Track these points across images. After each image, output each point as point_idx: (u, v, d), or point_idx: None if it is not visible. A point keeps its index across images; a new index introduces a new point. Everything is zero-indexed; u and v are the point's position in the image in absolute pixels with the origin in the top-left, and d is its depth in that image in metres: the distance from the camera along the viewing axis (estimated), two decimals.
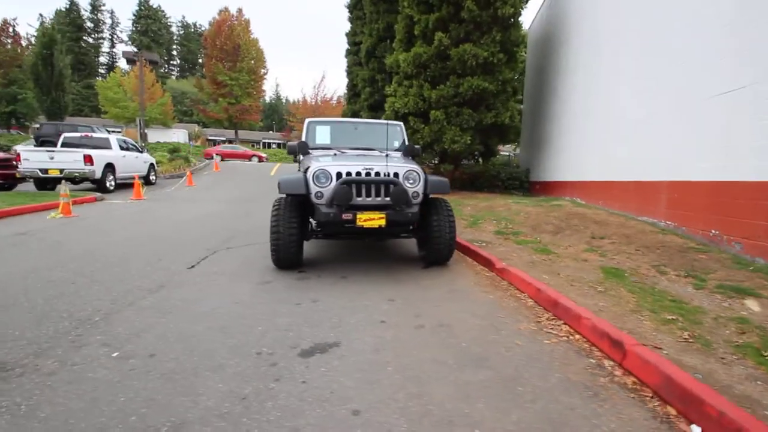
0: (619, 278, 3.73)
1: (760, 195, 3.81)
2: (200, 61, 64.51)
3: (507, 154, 18.88)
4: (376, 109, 14.76)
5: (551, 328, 2.76)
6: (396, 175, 4.01)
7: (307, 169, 4.01)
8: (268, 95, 63.03)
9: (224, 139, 48.47)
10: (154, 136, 31.33)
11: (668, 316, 2.81)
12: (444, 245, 4.23)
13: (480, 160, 13.39)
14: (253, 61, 36.69)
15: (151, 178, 13.88)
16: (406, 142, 5.34)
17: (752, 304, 3.00)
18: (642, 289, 3.40)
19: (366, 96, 14.55)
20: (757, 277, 3.46)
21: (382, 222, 3.79)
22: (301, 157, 4.99)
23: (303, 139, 5.12)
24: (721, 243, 4.33)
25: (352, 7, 17.60)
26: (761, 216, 3.81)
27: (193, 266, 4.26)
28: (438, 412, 1.80)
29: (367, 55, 14.61)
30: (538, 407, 1.85)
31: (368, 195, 3.92)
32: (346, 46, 18.57)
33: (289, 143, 5.20)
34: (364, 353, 2.36)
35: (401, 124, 5.53)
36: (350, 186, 3.81)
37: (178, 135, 37.31)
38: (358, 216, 3.73)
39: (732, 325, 2.64)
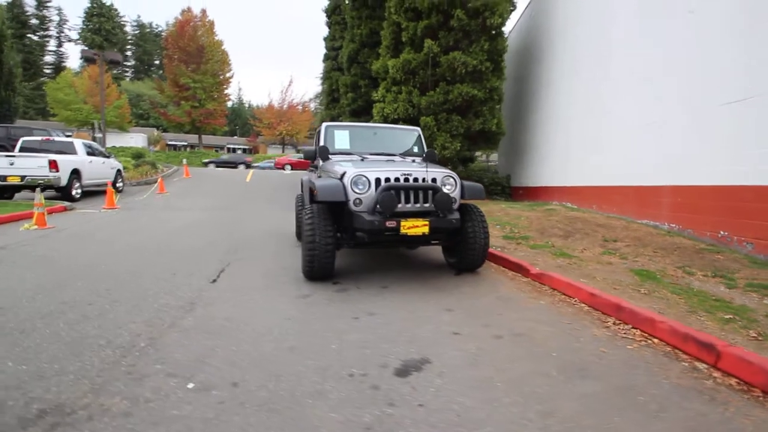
0: (654, 280, 3.84)
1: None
2: (157, 62, 61.54)
3: (482, 160, 19.31)
4: (358, 115, 14.63)
5: (624, 333, 2.77)
6: (434, 180, 3.93)
7: (343, 174, 3.83)
8: (231, 99, 61.22)
9: (185, 144, 46.41)
10: (111, 140, 29.33)
11: (725, 316, 2.90)
12: (479, 252, 4.18)
13: (462, 166, 13.61)
14: (217, 64, 35.44)
15: (118, 185, 12.93)
16: (425, 148, 5.28)
17: None
18: (683, 290, 3.51)
19: (348, 101, 14.38)
20: None
21: (426, 229, 3.68)
22: (321, 163, 4.79)
23: (321, 143, 4.93)
24: (731, 244, 4.59)
25: (330, 12, 17.43)
26: None
27: (214, 280, 3.94)
28: (581, 431, 1.72)
29: (348, 60, 14.48)
30: (672, 416, 1.82)
31: (408, 201, 3.81)
32: (324, 50, 18.38)
33: (306, 148, 4.98)
34: (462, 369, 2.24)
35: (419, 129, 5.46)
36: (395, 192, 3.68)
37: (136, 139, 35.29)
38: (402, 223, 3.60)
39: None
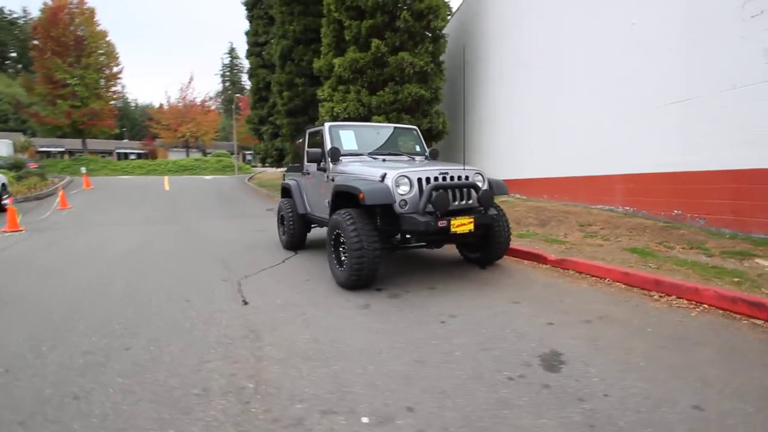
0: (653, 256, 4.43)
1: (720, 180, 5.00)
2: (14, 54, 51.26)
3: None
4: (295, 114, 14.01)
5: (677, 304, 3.17)
6: (467, 178, 4.00)
7: (384, 176, 3.68)
8: (123, 97, 53.79)
9: (62, 149, 39.69)
10: None
11: (734, 279, 3.49)
12: (504, 244, 4.37)
13: None
14: (102, 57, 30.86)
15: (4, 202, 10.54)
16: (425, 146, 5.32)
17: (762, 262, 3.93)
18: (682, 262, 4.12)
19: (284, 100, 13.66)
20: (740, 243, 4.53)
21: (471, 226, 3.73)
22: (331, 165, 4.53)
23: (328, 144, 4.65)
24: (685, 220, 5.50)
25: (251, 6, 16.30)
26: (723, 197, 4.99)
27: (245, 302, 3.49)
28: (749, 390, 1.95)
29: (281, 57, 13.76)
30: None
31: (454, 200, 3.81)
32: (246, 46, 17.13)
33: (311, 150, 4.66)
34: (597, 355, 2.36)
35: (416, 128, 5.47)
36: (446, 191, 3.65)
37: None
38: (452, 222, 3.60)
39: None
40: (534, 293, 3.58)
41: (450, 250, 5.11)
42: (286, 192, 6.14)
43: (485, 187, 4.09)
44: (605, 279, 3.88)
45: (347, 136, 4.84)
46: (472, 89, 11.95)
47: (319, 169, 4.72)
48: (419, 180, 3.73)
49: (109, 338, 2.74)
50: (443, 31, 11.25)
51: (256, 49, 16.77)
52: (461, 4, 12.79)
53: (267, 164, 17.51)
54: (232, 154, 39.99)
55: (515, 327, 2.79)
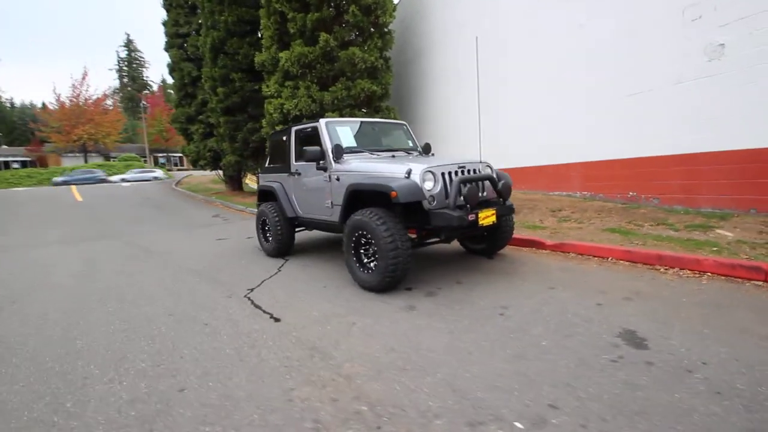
0: (630, 234, 4.92)
1: (670, 164, 5.72)
2: None
3: None
4: (233, 112, 12.97)
5: (684, 275, 3.55)
6: (477, 171, 4.06)
7: (409, 172, 3.56)
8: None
9: None
10: None
11: (713, 249, 4.03)
12: (509, 233, 4.53)
13: None
14: None
15: None
16: (417, 141, 5.28)
17: (722, 232, 4.59)
18: (659, 237, 4.64)
19: (220, 97, 12.56)
20: (696, 217, 5.23)
21: (494, 218, 3.80)
22: (334, 164, 4.28)
23: (327, 142, 4.38)
24: (640, 201, 6.21)
25: None
26: (673, 178, 5.73)
27: (277, 319, 3.16)
28: None
29: (213, 50, 12.60)
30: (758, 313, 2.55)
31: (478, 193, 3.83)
32: (165, 38, 15.30)
33: (310, 148, 4.35)
34: (668, 328, 2.54)
35: (406, 123, 5.39)
36: (474, 184, 3.65)
37: None
38: (480, 215, 3.62)
39: (747, 244, 4.03)
40: (558, 278, 3.76)
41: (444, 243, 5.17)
42: (266, 195, 5.68)
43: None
44: (608, 258, 4.22)
45: (344, 133, 4.61)
46: (420, 84, 12.17)
47: (319, 168, 4.43)
48: (443, 175, 3.69)
49: (146, 380, 2.28)
50: (392, 26, 11.27)
51: (177, 41, 15.14)
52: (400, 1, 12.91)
53: (199, 167, 15.98)
54: (143, 158, 36.08)
55: (573, 311, 2.91)
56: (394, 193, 3.38)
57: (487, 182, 3.97)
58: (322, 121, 4.56)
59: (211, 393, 2.11)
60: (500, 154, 9.09)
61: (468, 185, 3.58)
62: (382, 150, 4.71)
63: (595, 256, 4.34)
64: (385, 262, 3.41)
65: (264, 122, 11.12)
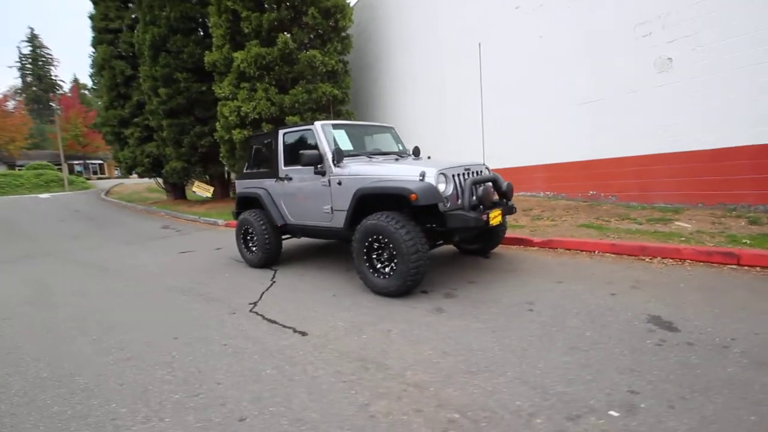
0: (603, 228, 5.35)
1: (626, 164, 6.33)
2: None
3: None
4: (178, 114, 12.01)
5: (668, 263, 3.94)
6: (480, 172, 4.17)
7: (423, 174, 3.54)
8: None
9: None
10: None
11: (681, 239, 4.52)
12: (503, 232, 4.70)
13: None
14: None
15: None
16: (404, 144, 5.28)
17: (681, 224, 5.17)
18: (631, 231, 5.11)
19: (163, 98, 11.55)
20: (653, 212, 5.83)
21: (500, 218, 3.93)
22: (333, 168, 4.14)
23: (324, 145, 4.23)
24: (600, 199, 6.79)
25: None
26: (629, 177, 6.34)
27: (304, 333, 2.97)
28: None
29: (153, 48, 11.55)
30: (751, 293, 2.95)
31: None
32: (92, 33, 13.68)
33: (307, 152, 4.16)
34: (703, 314, 2.79)
35: (393, 126, 5.37)
36: (486, 185, 3.73)
37: None
38: (490, 215, 3.71)
39: (707, 233, 4.57)
40: (560, 272, 3.97)
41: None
42: (246, 203, 5.33)
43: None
44: (595, 251, 4.55)
45: (340, 136, 4.48)
46: (378, 90, 12.23)
47: (316, 172, 4.26)
48: (453, 177, 3.74)
49: (192, 413, 2.01)
50: (347, 32, 11.20)
51: (107, 37, 13.65)
52: (356, 3, 12.88)
53: (135, 174, 14.55)
54: (57, 165, 32.15)
55: (593, 303, 3.09)
56: (414, 196, 3.35)
57: (489, 183, 4.09)
58: (318, 124, 4.39)
59: (278, 419, 1.92)
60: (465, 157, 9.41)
61: (482, 186, 3.66)
62: (377, 153, 4.65)
63: (582, 251, 4.65)
64: (407, 266, 3.36)
65: (218, 125, 10.48)
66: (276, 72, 10.11)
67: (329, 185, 4.22)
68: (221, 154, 11.07)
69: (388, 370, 2.31)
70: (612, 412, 1.80)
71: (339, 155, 4.12)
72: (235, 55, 9.92)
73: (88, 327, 3.36)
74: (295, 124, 4.75)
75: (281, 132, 4.79)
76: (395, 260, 3.49)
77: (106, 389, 2.30)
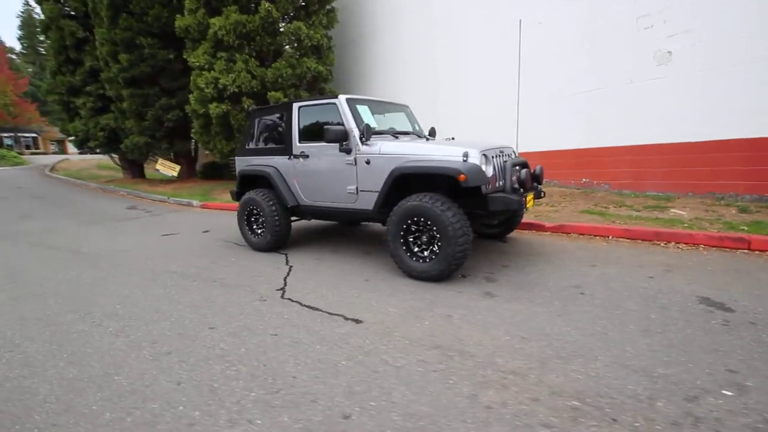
0: (603, 215, 5.54)
1: (621, 153, 6.57)
2: None
3: None
4: (141, 84, 10.90)
5: (683, 248, 4.12)
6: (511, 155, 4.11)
7: (466, 155, 3.40)
8: None
9: None
10: None
11: (683, 224, 4.76)
12: (521, 216, 4.71)
13: None
14: None
15: None
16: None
17: (677, 211, 5.46)
18: (631, 217, 5.32)
19: (124, 65, 10.39)
20: (647, 200, 6.11)
21: (532, 201, 3.90)
22: (361, 146, 3.90)
23: (350, 121, 3.96)
24: (593, 186, 7.03)
25: None
26: (623, 166, 6.60)
27: (359, 321, 2.78)
28: None
29: (112, 8, 10.27)
30: None
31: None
32: None
33: (333, 127, 3.87)
34: (747, 294, 2.90)
35: (409, 106, 5.14)
36: (527, 169, 3.66)
37: None
38: (526, 198, 3.67)
39: (705, 220, 4.85)
40: (588, 256, 4.03)
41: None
42: (249, 182, 4.94)
43: None
44: (609, 237, 4.69)
45: (364, 112, 4.21)
46: (361, 68, 11.81)
47: (341, 149, 3.98)
48: (492, 158, 3.64)
49: (285, 412, 1.78)
50: (333, 5, 10.64)
51: None
52: None
53: (87, 149, 13.14)
54: None
55: (639, 285, 3.15)
56: (462, 177, 3.21)
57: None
58: (342, 98, 4.09)
59: (387, 414, 1.75)
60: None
61: (524, 169, 3.60)
62: (400, 133, 4.44)
63: (595, 236, 4.78)
64: (453, 249, 3.24)
65: (191, 98, 9.63)
66: (257, 43, 9.43)
67: (355, 164, 3.97)
68: (193, 130, 10.24)
69: (475, 358, 2.19)
70: (725, 392, 1.81)
71: (368, 132, 3.87)
72: (212, 21, 9.11)
73: (97, 318, 2.94)
74: (313, 98, 4.41)
75: (296, 105, 4.43)
76: (437, 243, 3.36)
77: (161, 389, 2.00)
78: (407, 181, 3.65)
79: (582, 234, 4.88)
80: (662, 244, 4.30)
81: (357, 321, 2.74)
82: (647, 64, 6.10)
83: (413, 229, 3.52)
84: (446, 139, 4.80)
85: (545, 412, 1.73)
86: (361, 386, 1.96)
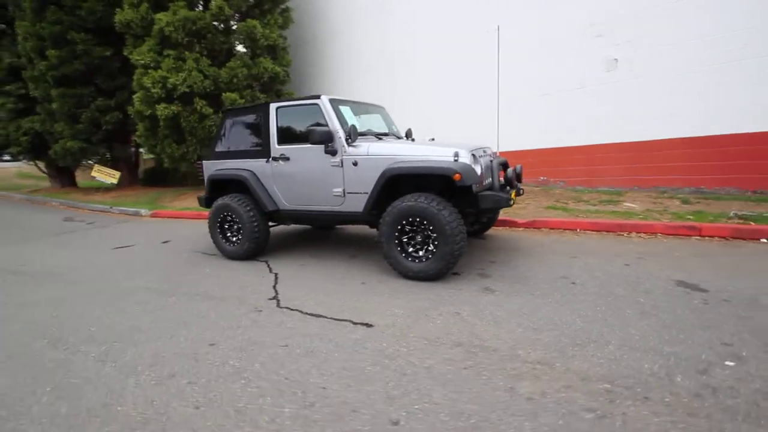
0: (567, 210, 5.92)
1: (574, 153, 7.06)
2: None
3: None
4: (74, 83, 9.84)
5: (642, 237, 4.51)
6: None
7: (456, 155, 3.46)
8: None
9: None
10: None
11: (639, 215, 5.22)
12: (498, 214, 4.90)
13: None
14: None
15: None
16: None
17: (629, 204, 5.97)
18: (590, 211, 5.73)
19: (54, 62, 9.31)
20: (600, 195, 6.61)
21: (515, 199, 4.06)
22: (346, 148, 3.83)
23: (335, 122, 3.87)
24: (549, 184, 7.48)
25: None
26: (576, 165, 7.09)
27: (369, 324, 2.71)
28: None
29: (37, 0, 9.25)
30: (727, 250, 3.62)
31: None
32: None
33: (318, 129, 3.76)
34: (721, 276, 3.22)
35: (384, 107, 5.12)
36: (515, 167, 3.79)
37: None
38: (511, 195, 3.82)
39: (655, 211, 5.35)
40: (565, 249, 4.27)
41: None
42: (220, 187, 4.66)
43: None
44: (577, 230, 5.01)
45: (346, 113, 4.14)
46: (317, 70, 11.62)
47: (327, 151, 3.88)
48: (479, 158, 3.74)
49: (329, 426, 1.68)
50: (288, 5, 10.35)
51: None
52: None
53: (6, 155, 11.62)
54: None
55: (620, 273, 3.39)
56: (458, 176, 3.27)
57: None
58: (324, 98, 3.99)
59: (435, 416, 1.72)
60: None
61: (511, 168, 3.73)
62: (382, 134, 4.43)
63: (566, 229, 5.08)
64: (450, 248, 3.28)
65: (135, 98, 8.88)
66: (209, 40, 8.94)
67: (341, 166, 3.89)
68: (137, 133, 9.46)
69: (498, 352, 2.23)
70: (728, 362, 2.00)
71: (354, 133, 3.81)
72: (158, 16, 8.48)
73: (70, 344, 2.60)
74: (291, 98, 4.26)
75: (274, 106, 4.25)
76: (433, 243, 3.39)
77: (179, 416, 1.81)
78: (395, 182, 3.65)
79: (553, 228, 5.17)
80: (626, 235, 4.68)
81: (367, 325, 2.68)
82: (596, 69, 6.62)
83: (407, 230, 3.52)
84: (428, 140, 4.87)
85: (583, 398, 1.80)
86: (397, 390, 1.92)
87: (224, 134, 4.73)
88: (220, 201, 4.54)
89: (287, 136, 4.22)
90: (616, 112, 6.56)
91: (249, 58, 9.37)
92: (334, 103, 4.05)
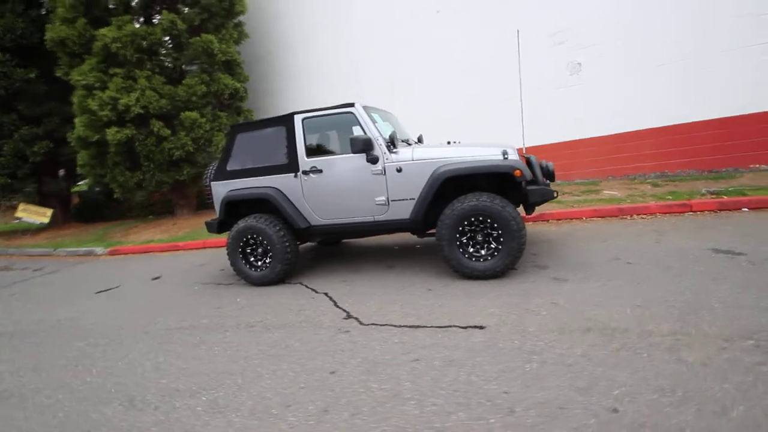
0: (559, 202, 6.33)
1: (553, 149, 7.61)
2: None
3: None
4: (6, 108, 8.42)
5: (646, 218, 4.98)
6: None
7: (505, 153, 3.56)
8: None
9: None
10: None
11: (624, 200, 5.76)
12: None
13: None
14: None
15: None
16: None
17: (609, 192, 6.55)
18: (577, 201, 6.21)
19: None
20: (579, 186, 7.18)
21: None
22: (388, 154, 3.75)
23: (372, 130, 3.78)
24: None
25: None
26: (552, 160, 7.62)
27: (481, 327, 2.65)
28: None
29: None
30: (719, 222, 4.18)
31: None
32: None
33: (359, 137, 3.63)
34: (702, 262, 3.62)
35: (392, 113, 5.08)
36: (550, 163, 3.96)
37: None
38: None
39: (636, 195, 5.94)
40: (587, 235, 4.57)
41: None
42: (235, 208, 4.28)
43: None
44: (582, 218, 5.38)
45: (378, 120, 4.05)
46: (273, 86, 11.22)
47: (368, 159, 3.75)
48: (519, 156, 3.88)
49: (521, 429, 1.60)
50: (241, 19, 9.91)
51: None
52: None
53: None
54: None
55: (658, 249, 3.70)
56: (518, 172, 3.36)
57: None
58: (359, 105, 3.87)
59: (650, 395, 1.73)
60: None
61: (548, 163, 3.91)
62: (405, 140, 4.39)
63: (571, 219, 5.44)
64: (517, 243, 3.34)
65: (79, 122, 7.85)
66: (159, 57, 8.22)
67: (383, 173, 3.79)
68: (80, 162, 8.31)
69: (631, 331, 2.30)
70: None
71: (395, 140, 3.74)
72: (101, 32, 7.62)
73: (157, 399, 2.19)
74: (318, 108, 4.04)
75: (299, 117, 4.02)
76: (496, 240, 3.43)
77: None
78: (461, 181, 3.65)
79: (560, 219, 5.50)
80: (628, 217, 5.13)
81: (479, 327, 2.61)
82: (562, 73, 7.25)
83: (466, 231, 3.52)
84: (454, 142, 4.93)
85: (745, 355, 1.92)
86: (581, 382, 1.89)
87: (235, 152, 4.35)
88: (241, 223, 4.15)
89: (318, 147, 4.01)
90: (584, 110, 7.22)
91: (207, 74, 8.78)
92: (368, 110, 3.95)
